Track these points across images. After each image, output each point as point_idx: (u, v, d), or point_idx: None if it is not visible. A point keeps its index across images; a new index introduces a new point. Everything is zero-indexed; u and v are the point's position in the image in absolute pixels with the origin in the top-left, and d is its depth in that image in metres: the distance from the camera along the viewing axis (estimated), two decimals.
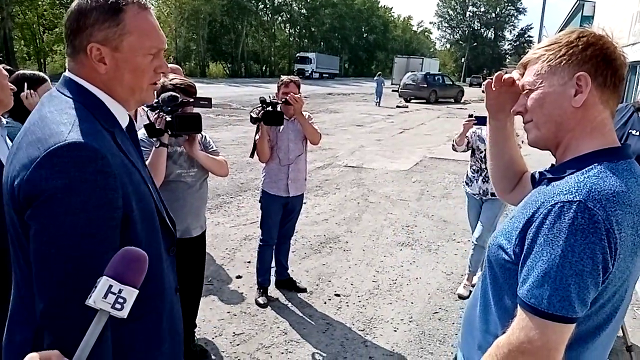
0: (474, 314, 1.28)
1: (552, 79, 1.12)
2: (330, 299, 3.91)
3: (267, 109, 3.33)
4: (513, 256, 1.09)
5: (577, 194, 1.00)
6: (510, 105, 1.29)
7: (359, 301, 3.90)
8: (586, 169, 1.06)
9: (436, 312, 3.77)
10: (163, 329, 1.26)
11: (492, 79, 1.37)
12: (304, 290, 4.00)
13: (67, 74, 1.17)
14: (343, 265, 4.60)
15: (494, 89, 1.36)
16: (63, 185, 0.98)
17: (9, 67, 5.17)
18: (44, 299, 1.01)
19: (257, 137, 3.47)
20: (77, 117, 1.07)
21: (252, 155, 3.57)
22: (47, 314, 1.01)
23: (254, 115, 3.35)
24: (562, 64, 1.10)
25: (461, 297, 4.02)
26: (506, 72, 1.37)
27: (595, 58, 1.08)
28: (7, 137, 2.18)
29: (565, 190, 1.02)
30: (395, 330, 3.49)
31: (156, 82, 1.25)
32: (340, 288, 4.11)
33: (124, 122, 1.22)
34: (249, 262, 4.50)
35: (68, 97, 1.13)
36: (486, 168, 3.64)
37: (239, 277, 4.24)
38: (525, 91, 1.18)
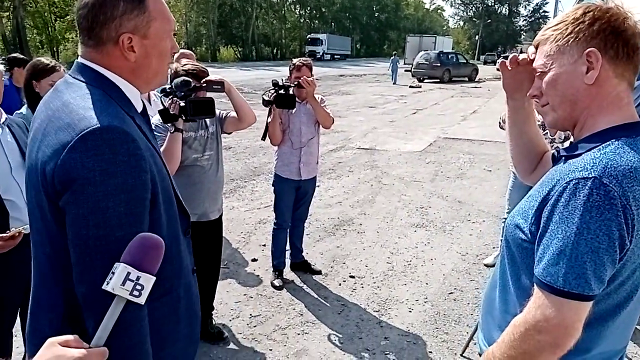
0: (494, 294, 1.29)
1: (562, 59, 1.10)
2: (345, 281, 3.94)
3: (280, 92, 3.32)
4: (529, 235, 1.08)
5: (592, 170, 0.99)
6: (527, 84, 1.27)
7: (374, 282, 3.92)
8: (603, 145, 1.05)
9: (451, 293, 3.78)
10: (180, 309, 1.28)
11: (506, 57, 1.34)
12: (319, 272, 4.04)
13: (81, 60, 1.17)
14: (357, 247, 4.62)
15: (509, 68, 1.33)
16: (99, 168, 1.00)
17: (22, 56, 5.22)
18: (86, 283, 1.02)
19: (269, 120, 3.47)
20: (101, 101, 1.08)
21: (263, 138, 3.57)
22: (90, 298, 1.02)
23: (267, 98, 3.35)
24: (570, 42, 1.08)
25: (488, 265, 4.25)
26: (521, 51, 1.34)
27: (603, 32, 1.05)
28: (8, 129, 2.20)
29: (581, 167, 1.01)
30: (410, 311, 3.51)
31: (170, 62, 1.27)
32: (354, 270, 4.13)
33: (138, 107, 1.23)
34: (264, 245, 4.55)
35: (86, 82, 1.13)
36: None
37: (254, 260, 4.29)
38: (538, 74, 1.16)
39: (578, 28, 1.07)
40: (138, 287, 0.89)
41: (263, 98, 3.37)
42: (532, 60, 1.22)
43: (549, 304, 1.00)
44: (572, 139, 1.21)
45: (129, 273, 0.89)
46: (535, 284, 1.05)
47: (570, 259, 0.97)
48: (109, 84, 1.14)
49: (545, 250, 1.02)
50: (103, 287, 0.89)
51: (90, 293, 1.01)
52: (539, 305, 1.02)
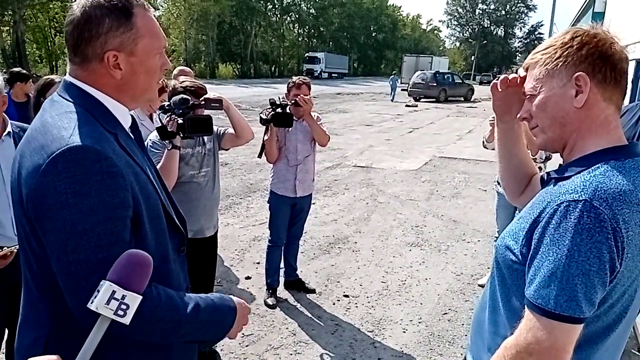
0: (483, 316, 1.28)
1: (551, 82, 1.12)
2: (339, 300, 3.91)
3: (277, 110, 3.34)
4: (520, 257, 1.09)
5: (582, 193, 1.00)
6: (516, 107, 1.28)
7: (368, 302, 3.90)
8: (592, 168, 1.06)
9: (445, 313, 3.76)
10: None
11: (497, 80, 1.37)
12: (313, 291, 4.01)
13: (67, 78, 1.16)
14: (352, 265, 4.60)
15: (499, 90, 1.35)
16: (71, 190, 0.98)
17: (24, 72, 5.24)
18: (75, 308, 1.02)
19: (265, 137, 3.49)
20: (78, 120, 1.06)
21: (260, 156, 3.58)
22: (83, 321, 1.00)
23: (264, 117, 3.36)
24: (559, 66, 1.10)
25: (482, 286, 4.16)
26: (513, 72, 1.36)
27: (591, 56, 1.08)
28: (12, 141, 2.21)
29: (571, 190, 1.02)
30: (405, 331, 3.49)
31: (160, 79, 1.25)
32: (349, 289, 4.11)
33: (126, 123, 1.21)
34: (258, 263, 4.52)
35: (69, 101, 1.12)
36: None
37: (248, 277, 4.26)
38: (528, 96, 1.18)
39: (567, 52, 1.09)
40: (123, 306, 0.87)
41: (260, 117, 3.39)
42: (522, 82, 1.24)
43: (541, 326, 1.00)
44: (552, 158, 1.23)
45: (114, 292, 0.87)
46: (526, 306, 1.04)
47: (562, 282, 0.97)
48: (92, 101, 1.13)
49: (536, 272, 1.02)
50: (87, 306, 0.87)
51: (82, 317, 1.00)
52: (530, 328, 1.01)
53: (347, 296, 3.98)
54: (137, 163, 1.15)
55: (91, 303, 0.87)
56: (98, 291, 0.88)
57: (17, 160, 1.09)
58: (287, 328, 3.47)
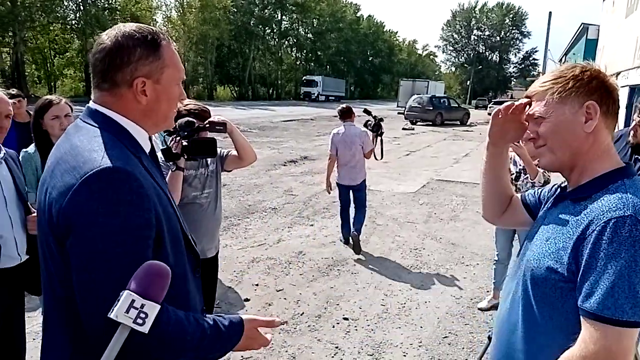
0: (513, 338, 1.31)
1: (563, 108, 1.24)
2: (338, 323, 3.89)
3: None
4: (568, 274, 1.15)
5: (625, 209, 1.10)
6: (512, 133, 1.43)
7: (368, 325, 3.87)
8: (614, 186, 1.19)
9: (446, 337, 3.73)
10: None
11: (497, 103, 1.45)
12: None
13: (92, 105, 1.21)
14: (351, 288, 4.58)
15: (500, 117, 1.44)
16: (102, 210, 1.02)
17: (19, 93, 5.27)
18: (86, 318, 1.04)
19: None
20: (106, 143, 1.11)
21: None
22: (95, 338, 1.01)
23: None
24: (572, 95, 1.23)
25: (482, 309, 4.21)
26: (511, 97, 1.45)
27: (600, 89, 1.22)
28: (5, 164, 2.21)
29: (614, 207, 1.12)
30: (405, 355, 3.46)
31: (176, 108, 1.32)
32: (348, 312, 4.09)
33: (146, 148, 1.27)
34: (257, 285, 4.50)
35: (94, 126, 1.17)
36: (516, 189, 3.75)
37: (247, 299, 4.23)
38: (536, 118, 1.28)
39: (579, 83, 1.22)
40: (142, 314, 0.88)
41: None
42: (523, 109, 1.36)
43: (608, 335, 1.07)
44: (550, 182, 1.30)
45: (133, 300, 0.89)
46: (587, 318, 1.11)
47: (625, 291, 1.06)
48: (117, 127, 1.18)
49: (595, 286, 1.09)
50: (108, 315, 0.88)
51: (95, 334, 1.01)
52: (598, 338, 1.08)
53: (346, 319, 3.95)
54: (159, 185, 1.19)
55: (111, 312, 0.88)
56: (118, 300, 0.89)
57: (46, 182, 1.13)
58: (286, 351, 3.43)
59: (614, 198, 1.15)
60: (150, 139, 1.30)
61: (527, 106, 1.34)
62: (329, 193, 6.12)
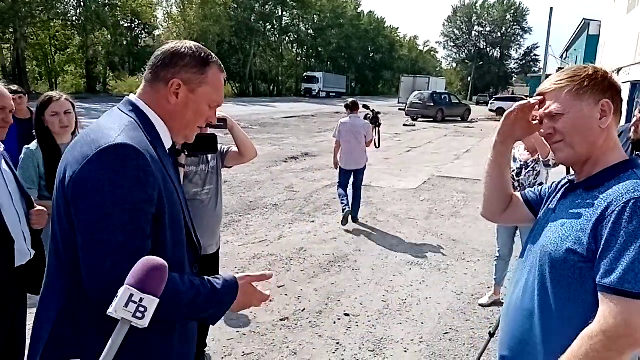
0: (528, 324, 1.34)
1: (580, 105, 1.31)
2: (339, 319, 3.89)
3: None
4: (586, 253, 1.21)
5: None
6: (520, 131, 1.52)
7: (369, 321, 3.88)
8: (625, 174, 1.27)
9: (447, 333, 3.74)
10: (174, 344, 1.31)
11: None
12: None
13: (131, 96, 1.35)
14: (352, 284, 4.59)
15: (512, 116, 1.50)
16: (108, 180, 1.13)
17: (20, 89, 5.28)
18: (87, 278, 1.14)
19: None
20: (126, 126, 1.24)
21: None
22: (96, 295, 1.13)
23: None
24: (588, 92, 1.31)
25: (483, 305, 4.22)
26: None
27: (611, 88, 1.32)
28: (4, 162, 2.20)
29: (632, 190, 1.19)
30: (406, 351, 3.46)
31: (202, 127, 1.42)
32: (349, 307, 4.09)
33: (167, 144, 1.36)
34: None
35: (123, 112, 1.30)
36: (519, 185, 3.81)
37: None
38: (554, 115, 1.35)
39: (593, 82, 1.31)
40: (141, 308, 0.89)
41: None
42: (534, 106, 1.42)
43: (628, 308, 1.11)
44: (551, 182, 1.37)
45: (131, 295, 0.89)
46: (605, 294, 1.15)
47: None
48: (143, 117, 1.30)
49: (615, 263, 1.14)
50: (107, 312, 0.89)
51: (93, 293, 1.13)
52: (618, 312, 1.11)
53: (347, 315, 3.96)
54: (169, 175, 1.27)
55: (110, 308, 0.88)
56: (116, 296, 0.89)
57: (68, 151, 1.26)
58: (287, 347, 3.44)
59: (630, 183, 1.23)
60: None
61: (539, 104, 1.39)
62: (336, 169, 6.81)
